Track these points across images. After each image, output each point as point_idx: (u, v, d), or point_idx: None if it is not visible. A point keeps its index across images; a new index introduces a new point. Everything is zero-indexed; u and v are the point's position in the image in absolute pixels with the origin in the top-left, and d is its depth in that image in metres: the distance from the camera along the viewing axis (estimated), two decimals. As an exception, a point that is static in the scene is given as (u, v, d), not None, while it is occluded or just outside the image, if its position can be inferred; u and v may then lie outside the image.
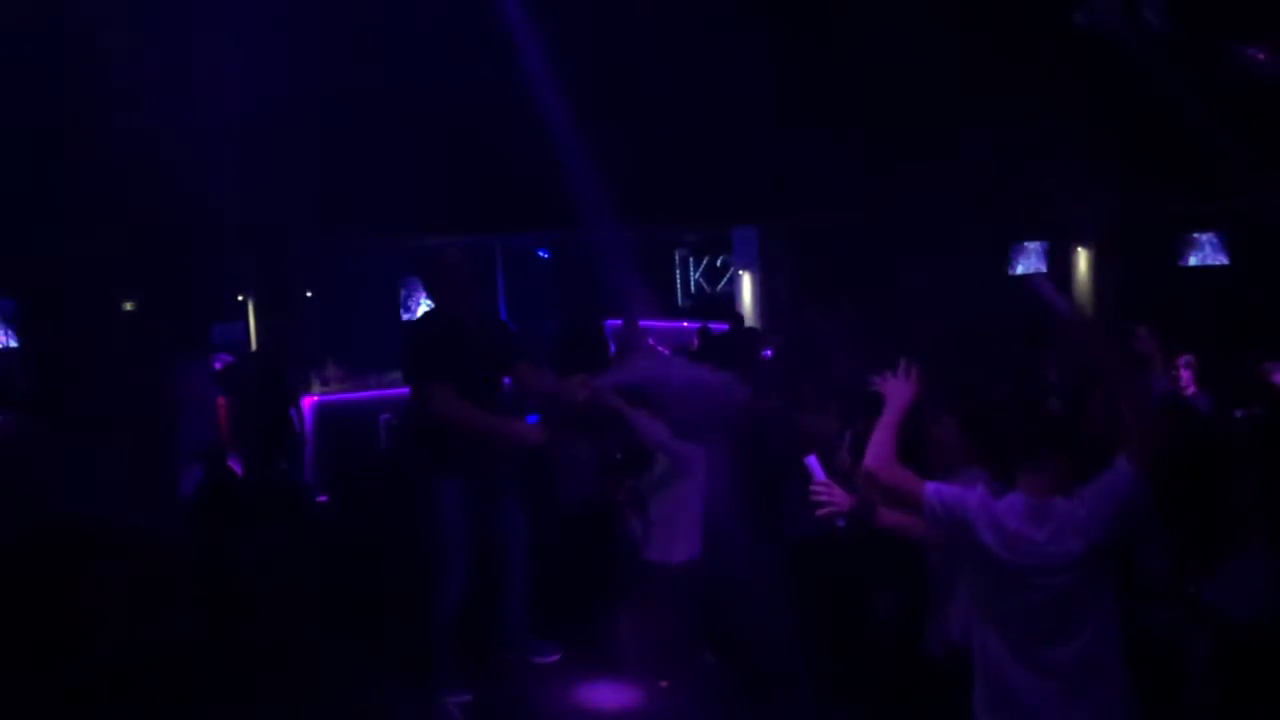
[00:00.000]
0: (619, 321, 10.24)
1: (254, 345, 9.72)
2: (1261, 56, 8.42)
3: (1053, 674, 2.73)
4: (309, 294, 10.58)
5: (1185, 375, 5.51)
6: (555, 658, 5.04)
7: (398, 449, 6.58)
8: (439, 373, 4.46)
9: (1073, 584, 2.71)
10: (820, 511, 3.27)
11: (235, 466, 7.75)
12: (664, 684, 4.63)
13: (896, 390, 3.10)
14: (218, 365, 9.08)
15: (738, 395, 4.90)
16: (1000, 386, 5.43)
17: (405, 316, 11.85)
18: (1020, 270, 12.47)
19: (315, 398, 9.04)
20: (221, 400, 8.14)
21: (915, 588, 3.81)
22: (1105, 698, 2.74)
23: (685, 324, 11.24)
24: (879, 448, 2.99)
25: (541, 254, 12.60)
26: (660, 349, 10.29)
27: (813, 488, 3.31)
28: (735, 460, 4.79)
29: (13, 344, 8.10)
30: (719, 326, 9.88)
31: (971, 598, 2.90)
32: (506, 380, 4.89)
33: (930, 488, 2.86)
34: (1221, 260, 12.64)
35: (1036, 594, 2.71)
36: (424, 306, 11.86)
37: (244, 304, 10.24)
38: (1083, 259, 12.01)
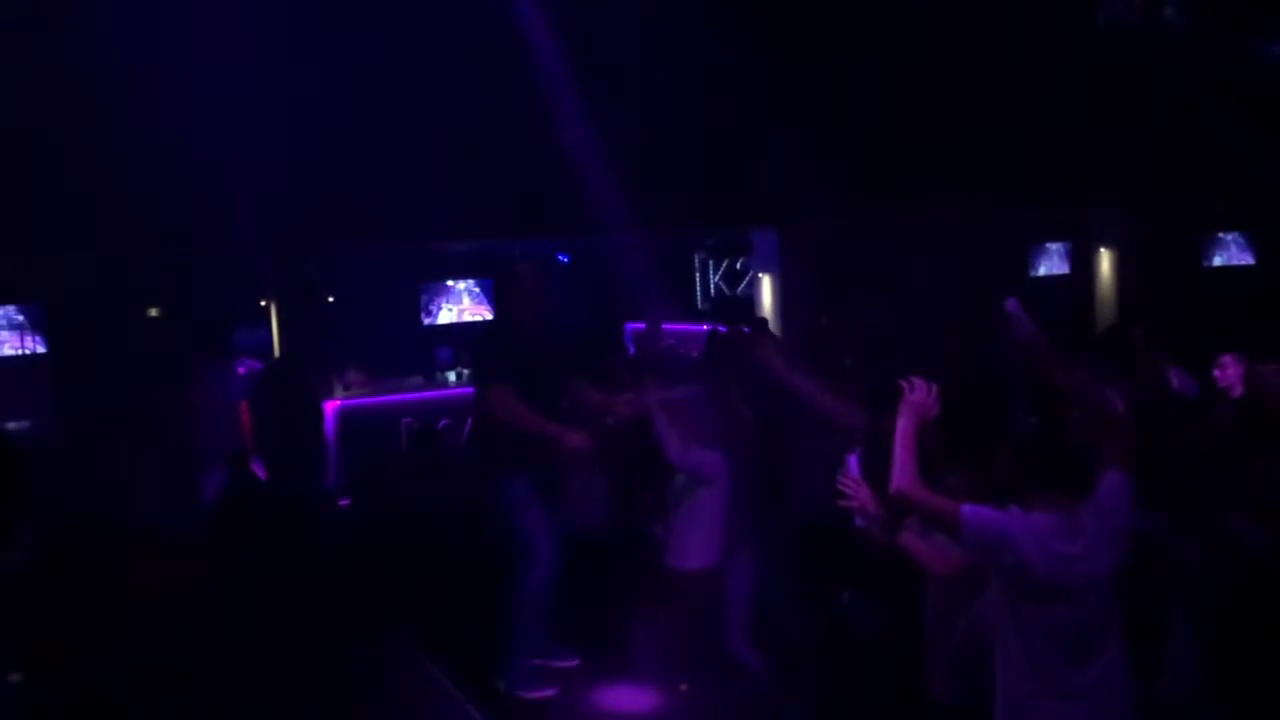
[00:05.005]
0: (640, 325, 10.24)
1: (277, 349, 9.78)
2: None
3: (1080, 697, 2.74)
4: (330, 298, 10.64)
5: (1223, 375, 5.10)
6: (575, 663, 5.07)
7: (471, 450, 6.72)
8: (497, 375, 4.71)
9: (1102, 598, 2.77)
10: (842, 502, 3.43)
11: (258, 471, 7.81)
12: (684, 687, 4.65)
13: (912, 406, 3.03)
14: (241, 370, 9.14)
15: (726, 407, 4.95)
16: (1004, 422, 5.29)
17: (426, 321, 11.91)
18: (1042, 271, 12.40)
19: (337, 402, 9.10)
20: (244, 405, 8.19)
21: (906, 612, 3.76)
22: (1123, 711, 2.80)
23: (705, 327, 11.22)
24: (903, 469, 2.92)
25: (561, 258, 12.61)
26: (681, 351, 10.30)
27: (843, 480, 3.48)
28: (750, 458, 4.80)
29: (41, 349, 8.19)
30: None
31: (1001, 625, 2.85)
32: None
33: (967, 509, 2.80)
34: (1247, 260, 12.51)
35: (1072, 610, 2.74)
36: (447, 311, 11.97)
37: (266, 308, 10.31)
38: (1105, 260, 11.89)
